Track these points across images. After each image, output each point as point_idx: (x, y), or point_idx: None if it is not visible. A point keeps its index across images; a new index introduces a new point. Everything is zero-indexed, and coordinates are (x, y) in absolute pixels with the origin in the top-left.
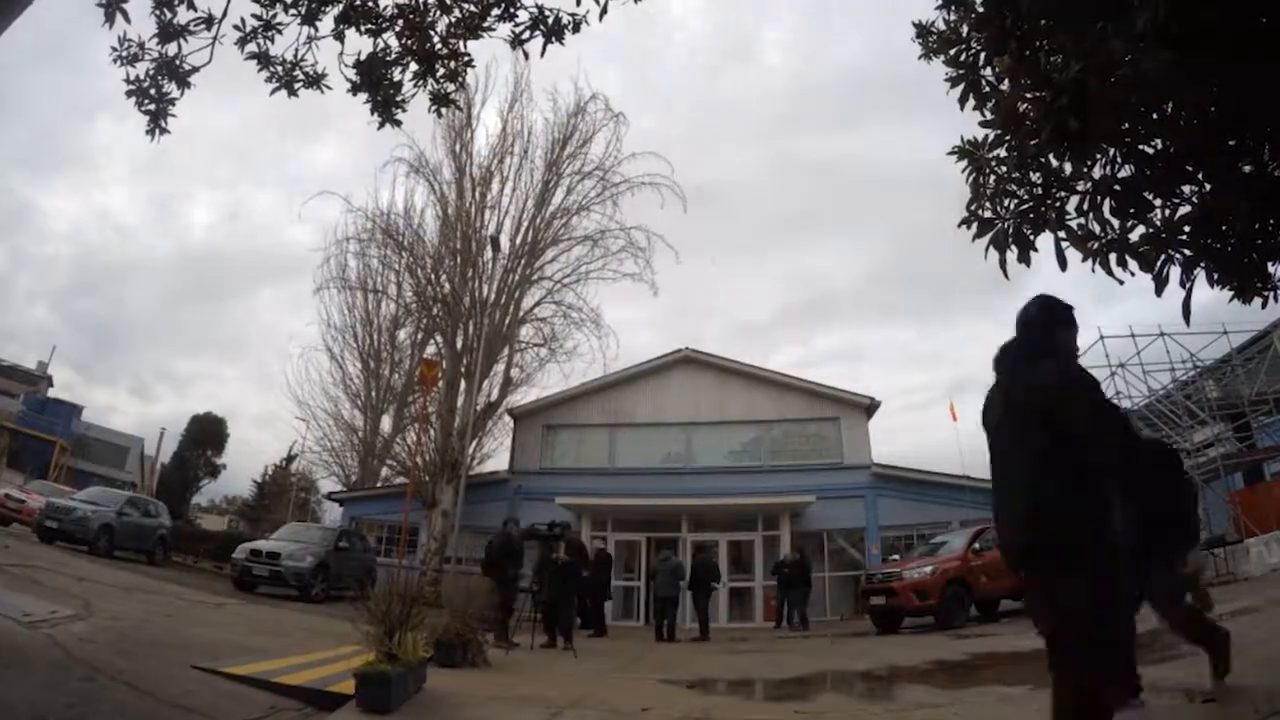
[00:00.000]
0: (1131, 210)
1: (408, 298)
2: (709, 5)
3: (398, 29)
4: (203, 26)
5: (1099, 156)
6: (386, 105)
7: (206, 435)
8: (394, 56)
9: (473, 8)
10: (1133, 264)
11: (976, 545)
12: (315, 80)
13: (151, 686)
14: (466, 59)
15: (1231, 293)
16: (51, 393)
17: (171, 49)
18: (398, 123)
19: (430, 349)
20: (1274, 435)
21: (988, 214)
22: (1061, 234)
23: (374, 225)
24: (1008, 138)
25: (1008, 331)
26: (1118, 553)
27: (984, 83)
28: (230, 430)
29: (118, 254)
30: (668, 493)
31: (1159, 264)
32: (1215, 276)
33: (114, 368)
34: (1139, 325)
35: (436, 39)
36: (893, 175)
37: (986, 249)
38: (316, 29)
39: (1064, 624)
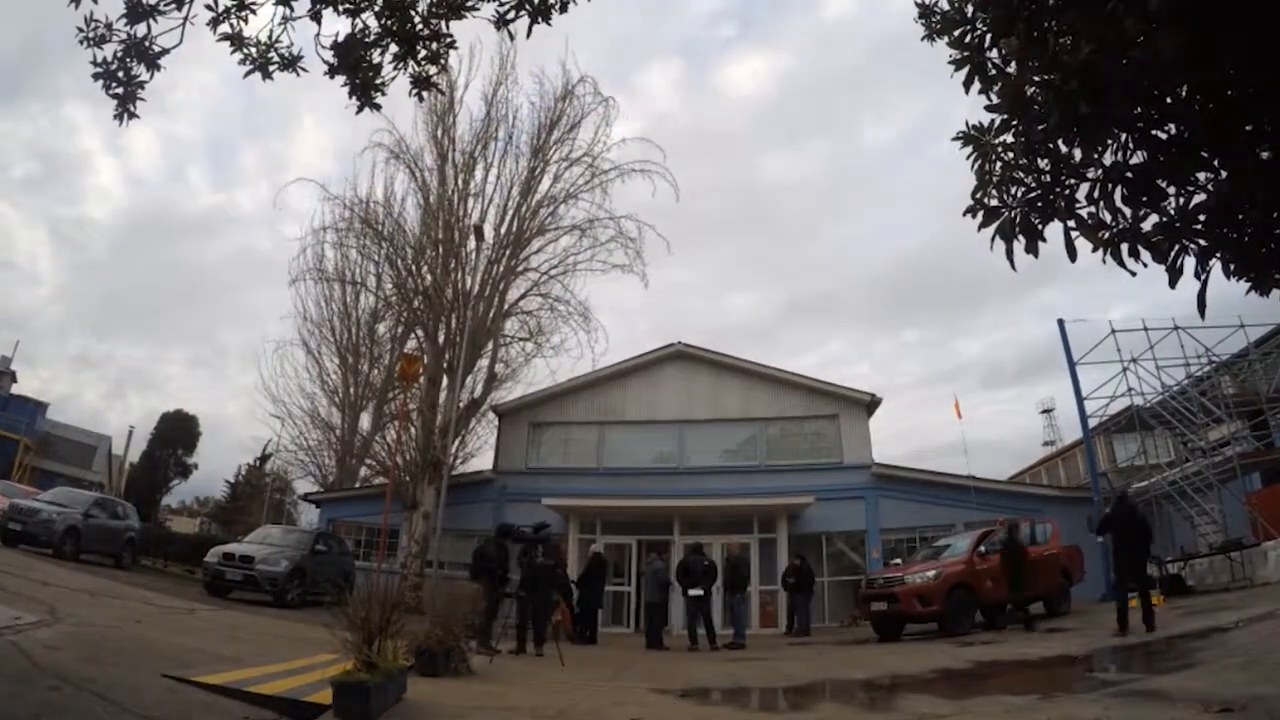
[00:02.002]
0: (1144, 198)
1: (387, 290)
2: None
3: (377, 9)
4: (173, 6)
5: (1110, 142)
6: (365, 88)
7: (177, 434)
8: (373, 37)
9: None
10: (1145, 254)
11: (982, 548)
12: (291, 63)
13: (120, 696)
14: (449, 40)
15: (1249, 284)
16: (15, 389)
17: (141, 30)
18: (377, 106)
19: (411, 343)
20: None
21: (994, 202)
22: (1071, 223)
23: (352, 214)
24: (1015, 122)
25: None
26: None
27: (990, 65)
28: (202, 429)
29: (76, 242)
30: (659, 494)
31: (1173, 254)
32: (1232, 267)
33: (80, 362)
34: (1152, 319)
35: (417, 19)
36: (901, 163)
37: (993, 239)
38: (292, 9)
39: None
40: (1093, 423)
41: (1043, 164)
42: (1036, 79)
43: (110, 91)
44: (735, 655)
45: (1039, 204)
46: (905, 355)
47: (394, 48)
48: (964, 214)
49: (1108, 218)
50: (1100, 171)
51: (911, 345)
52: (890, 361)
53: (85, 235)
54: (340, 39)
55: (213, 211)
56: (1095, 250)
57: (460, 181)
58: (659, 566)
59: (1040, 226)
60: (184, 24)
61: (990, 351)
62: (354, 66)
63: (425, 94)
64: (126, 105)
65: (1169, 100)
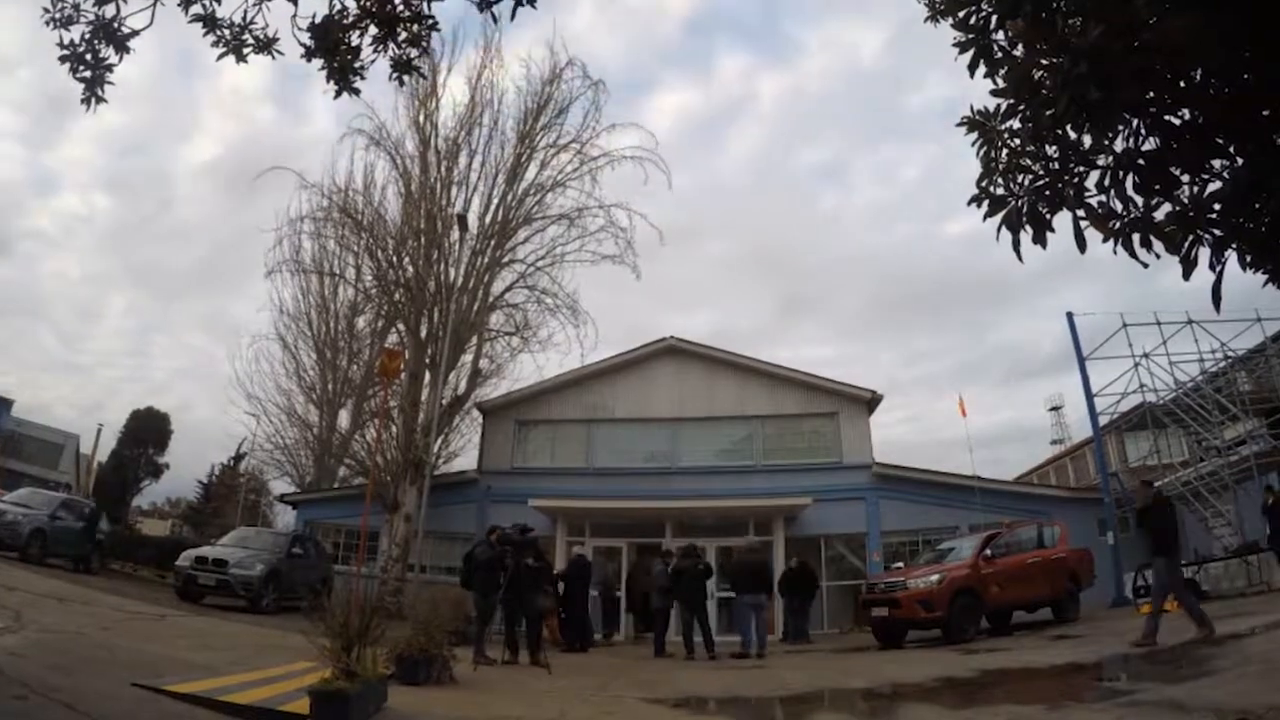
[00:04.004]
0: (1156, 186)
1: (367, 282)
2: None
3: None
4: None
5: (1121, 128)
6: (344, 72)
7: (148, 432)
8: (352, 19)
9: None
10: (1158, 245)
11: (987, 552)
12: (266, 45)
13: (88, 706)
14: (430, 22)
15: (1266, 276)
16: None
17: (109, 10)
18: (356, 91)
19: (392, 338)
20: None
21: (1000, 191)
22: (1080, 212)
23: (330, 203)
24: (1022, 108)
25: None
26: None
27: (996, 48)
28: (174, 426)
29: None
30: (651, 494)
31: (1186, 245)
32: (1248, 259)
33: (44, 356)
34: (1165, 312)
35: (398, 0)
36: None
37: (999, 229)
38: None
39: None
40: (1103, 420)
41: (1051, 151)
42: (1044, 62)
43: (78, 75)
44: (732, 664)
45: (1047, 192)
46: (909, 350)
47: (373, 29)
48: (969, 203)
49: (1119, 207)
50: (1111, 159)
51: (915, 340)
52: (894, 356)
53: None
54: (318, 20)
55: (179, 199)
56: (1105, 241)
57: (443, 169)
58: (661, 569)
59: (1048, 216)
60: (154, 4)
61: (998, 346)
62: (332, 49)
63: (406, 78)
64: (94, 89)
65: (1182, 85)
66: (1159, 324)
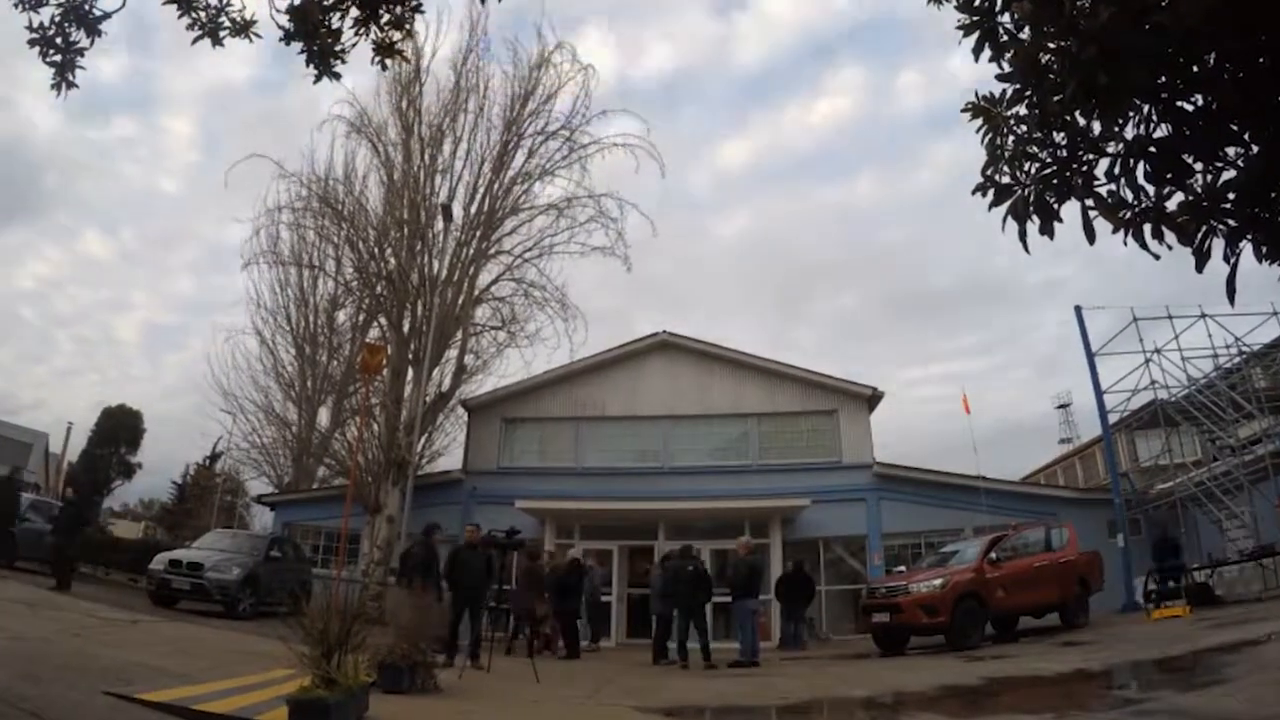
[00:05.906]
0: (1169, 175)
1: (348, 274)
2: None
3: None
4: None
5: (1132, 114)
6: (324, 56)
7: (120, 430)
8: (332, 1)
9: None
10: (1170, 236)
11: (993, 555)
12: (243, 28)
13: (58, 714)
14: (414, 4)
15: None
16: None
17: None
18: (337, 76)
19: (373, 332)
20: None
21: (1005, 179)
22: (1089, 202)
23: (310, 192)
24: (1028, 93)
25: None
26: None
27: (1001, 30)
28: (146, 425)
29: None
30: (643, 495)
31: (1200, 236)
32: (1264, 250)
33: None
34: (1177, 305)
35: None
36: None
37: (1004, 219)
38: None
39: None
40: (1113, 418)
41: (1058, 138)
42: (1052, 46)
43: (47, 59)
44: (727, 672)
45: (1054, 181)
46: (911, 348)
47: (355, 12)
48: (973, 192)
49: (1129, 196)
50: (1121, 146)
51: (917, 337)
52: (896, 353)
53: None
54: (297, 2)
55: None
56: (1115, 231)
57: (427, 157)
58: (659, 575)
59: (1056, 206)
60: None
61: (1003, 344)
62: (312, 32)
63: (389, 62)
64: (65, 74)
65: (1195, 68)
66: (1170, 318)
